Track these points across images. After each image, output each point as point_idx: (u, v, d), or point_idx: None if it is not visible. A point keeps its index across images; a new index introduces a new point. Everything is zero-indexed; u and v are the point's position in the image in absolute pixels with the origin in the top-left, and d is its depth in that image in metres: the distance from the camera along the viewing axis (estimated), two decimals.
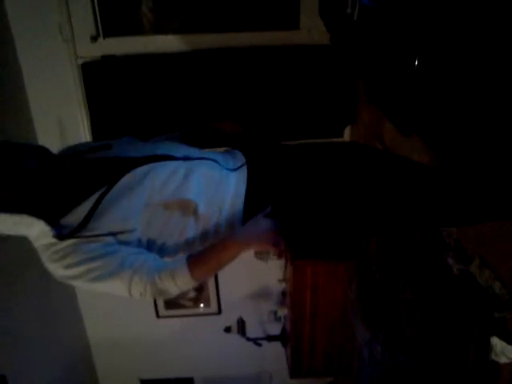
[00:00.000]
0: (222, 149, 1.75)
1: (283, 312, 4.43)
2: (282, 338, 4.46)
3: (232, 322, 4.29)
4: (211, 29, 3.38)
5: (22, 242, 1.44)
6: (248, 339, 4.37)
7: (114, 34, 3.33)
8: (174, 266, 1.40)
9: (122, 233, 1.35)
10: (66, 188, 1.38)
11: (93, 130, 3.50)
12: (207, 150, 1.67)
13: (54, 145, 3.69)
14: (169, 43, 3.33)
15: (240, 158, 1.62)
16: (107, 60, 3.30)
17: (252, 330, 4.43)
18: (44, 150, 1.40)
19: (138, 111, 3.42)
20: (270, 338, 4.51)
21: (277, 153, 1.68)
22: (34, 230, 1.34)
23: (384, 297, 3.12)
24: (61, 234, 1.31)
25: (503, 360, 1.81)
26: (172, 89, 3.35)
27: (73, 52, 3.32)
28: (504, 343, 1.80)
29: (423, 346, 2.54)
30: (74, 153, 1.50)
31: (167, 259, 1.46)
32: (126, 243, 1.37)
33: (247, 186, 1.53)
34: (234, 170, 1.56)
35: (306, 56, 3.32)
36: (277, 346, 4.50)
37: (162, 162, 1.45)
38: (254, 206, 1.51)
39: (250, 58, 3.31)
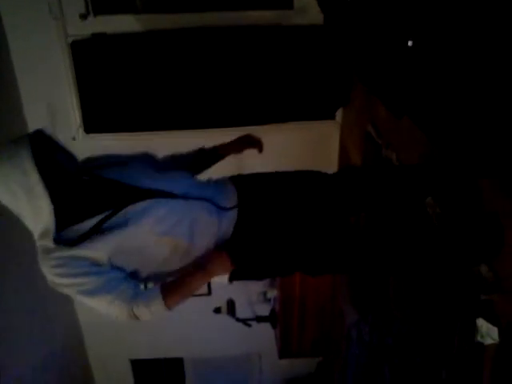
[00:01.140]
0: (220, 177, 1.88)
1: (272, 293, 4.46)
2: (271, 318, 4.49)
3: (222, 302, 4.31)
4: (203, 7, 3.33)
5: (7, 228, 1.45)
6: (237, 320, 4.40)
7: (105, 12, 3.28)
8: (149, 295, 1.55)
9: (112, 257, 1.48)
10: (78, 200, 1.51)
11: (82, 108, 3.46)
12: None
13: (43, 125, 3.64)
14: (160, 21, 3.28)
15: (233, 197, 1.72)
16: (97, 38, 3.25)
17: (241, 311, 4.45)
18: (75, 160, 1.59)
19: (129, 90, 3.38)
20: (259, 319, 4.54)
21: (268, 193, 1.79)
22: (41, 220, 1.42)
23: (372, 279, 3.15)
24: (59, 240, 1.43)
25: (488, 341, 1.83)
26: (164, 68, 3.31)
27: (62, 30, 3.25)
28: (490, 325, 1.82)
29: (410, 327, 2.57)
30: (92, 166, 1.62)
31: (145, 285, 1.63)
32: (113, 266, 1.50)
33: (233, 231, 1.65)
34: (227, 209, 1.66)
35: (300, 36, 3.29)
36: (266, 327, 4.53)
37: (161, 199, 1.56)
38: (238, 247, 1.64)
39: (243, 37, 3.27)
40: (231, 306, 4.31)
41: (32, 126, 3.57)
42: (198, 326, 4.72)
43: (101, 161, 1.68)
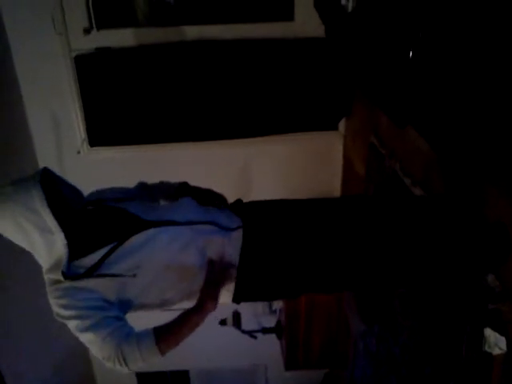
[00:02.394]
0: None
1: (278, 304, 4.44)
2: (277, 330, 4.46)
3: (227, 314, 4.29)
4: (206, 20, 3.35)
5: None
6: (243, 332, 4.38)
7: (108, 27, 3.31)
8: (141, 334, 1.53)
9: (119, 288, 1.51)
10: (85, 235, 1.55)
11: (87, 122, 3.48)
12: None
13: (47, 139, 3.67)
14: (162, 35, 3.30)
15: (236, 218, 1.73)
16: (101, 52, 3.28)
17: (247, 323, 4.43)
18: (82, 195, 1.64)
19: (133, 103, 3.40)
20: (265, 331, 4.52)
21: (270, 216, 1.78)
22: (54, 253, 1.48)
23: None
24: (67, 273, 1.48)
25: (496, 351, 1.82)
26: (167, 81, 3.33)
27: (66, 45, 3.28)
28: (497, 334, 1.81)
29: (417, 337, 2.55)
30: (98, 199, 1.65)
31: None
32: (119, 300, 1.53)
33: (242, 249, 1.66)
34: (231, 230, 1.67)
35: (302, 48, 3.30)
36: (272, 339, 4.51)
37: (165, 227, 1.59)
38: (251, 267, 1.66)
39: (246, 49, 3.29)
40: (237, 318, 4.29)
41: (37, 140, 3.60)
42: (204, 338, 4.68)
43: (108, 195, 1.72)
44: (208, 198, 1.86)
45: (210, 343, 4.72)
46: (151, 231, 1.57)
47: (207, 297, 1.59)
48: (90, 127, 3.50)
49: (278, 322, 4.48)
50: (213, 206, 1.84)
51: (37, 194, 1.43)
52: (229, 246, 1.65)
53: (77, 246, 1.51)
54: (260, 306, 4.67)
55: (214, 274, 1.62)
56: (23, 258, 1.64)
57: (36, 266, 1.55)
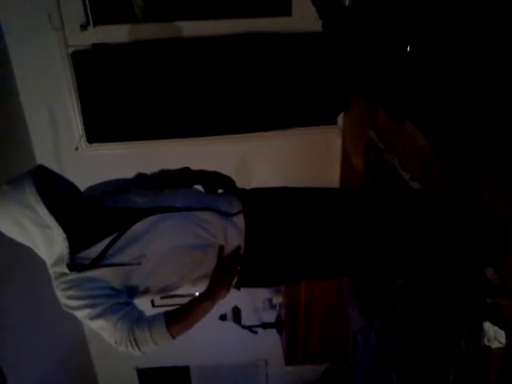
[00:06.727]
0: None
1: (278, 299, 4.45)
2: (277, 325, 4.48)
3: (227, 309, 4.30)
4: (203, 16, 3.34)
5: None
6: (243, 327, 4.39)
7: (105, 22, 3.29)
8: (152, 318, 1.56)
9: (125, 276, 1.54)
10: (86, 228, 1.58)
11: (84, 118, 3.47)
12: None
13: (45, 136, 3.65)
14: (160, 30, 3.29)
15: (237, 203, 1.73)
16: (98, 48, 3.27)
17: (247, 318, 4.44)
18: (78, 190, 1.64)
19: (131, 99, 3.39)
20: (265, 326, 4.53)
21: (272, 200, 1.79)
22: (55, 249, 1.51)
23: (377, 283, 3.14)
24: (72, 266, 1.50)
25: (495, 345, 1.82)
26: (165, 77, 3.32)
27: (63, 41, 3.27)
28: (496, 328, 1.81)
29: (417, 331, 2.56)
30: (97, 195, 1.67)
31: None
32: (126, 287, 1.56)
33: (246, 235, 1.66)
34: (231, 215, 1.68)
35: (299, 43, 3.30)
36: (272, 334, 4.52)
37: (165, 214, 1.61)
38: (255, 252, 1.67)
39: (244, 45, 3.28)
40: (237, 313, 4.30)
41: (35, 137, 3.59)
42: (204, 333, 4.69)
43: (103, 190, 1.72)
44: (215, 181, 1.87)
45: (210, 339, 4.73)
46: (152, 218, 1.59)
47: (218, 283, 1.61)
48: (87, 124, 3.49)
49: (278, 316, 4.49)
50: (222, 188, 1.86)
51: (30, 190, 1.44)
52: (232, 231, 1.66)
53: (78, 239, 1.53)
54: (260, 301, 4.67)
55: (225, 260, 1.63)
56: (22, 252, 1.65)
57: (41, 272, 1.56)
